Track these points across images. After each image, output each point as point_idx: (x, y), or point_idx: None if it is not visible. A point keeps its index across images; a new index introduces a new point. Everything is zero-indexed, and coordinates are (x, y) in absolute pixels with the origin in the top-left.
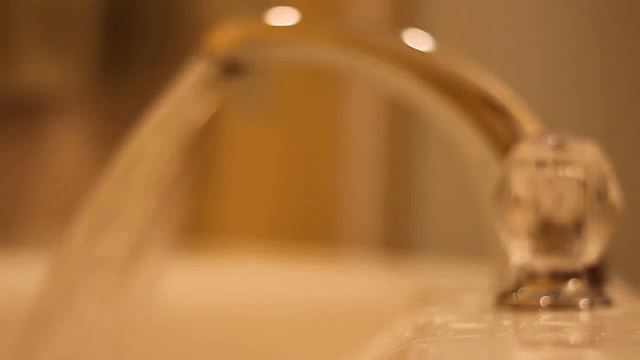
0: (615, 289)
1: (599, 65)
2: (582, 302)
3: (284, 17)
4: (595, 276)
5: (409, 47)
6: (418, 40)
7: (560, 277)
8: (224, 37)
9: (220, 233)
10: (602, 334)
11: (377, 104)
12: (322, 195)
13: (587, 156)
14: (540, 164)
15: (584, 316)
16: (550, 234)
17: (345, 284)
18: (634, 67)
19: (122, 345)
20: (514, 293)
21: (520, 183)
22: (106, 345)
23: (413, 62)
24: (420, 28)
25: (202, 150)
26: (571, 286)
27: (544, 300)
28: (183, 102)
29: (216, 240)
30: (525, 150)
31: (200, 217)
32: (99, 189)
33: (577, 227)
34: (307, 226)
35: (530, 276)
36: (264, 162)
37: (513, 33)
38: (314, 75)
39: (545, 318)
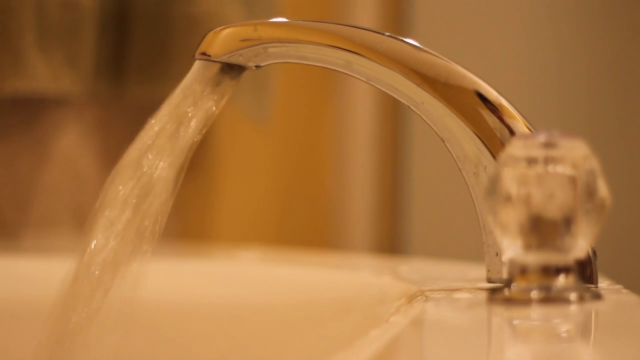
0: (604, 283)
1: (587, 66)
2: (573, 296)
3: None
4: (585, 271)
5: (404, 43)
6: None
7: (551, 271)
8: (221, 38)
9: (214, 237)
10: (592, 327)
11: (373, 110)
12: (317, 200)
13: (576, 154)
14: (531, 161)
15: (574, 310)
16: (541, 230)
17: (341, 284)
18: (622, 65)
19: (119, 340)
20: (506, 288)
21: (511, 180)
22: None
23: (408, 58)
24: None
25: (198, 152)
26: (562, 280)
27: (535, 294)
28: (183, 104)
29: (210, 244)
30: (516, 148)
31: (194, 221)
32: (107, 187)
33: (567, 223)
34: (302, 230)
35: (522, 271)
36: (259, 167)
37: (501, 40)
38: (310, 81)
39: (536, 312)
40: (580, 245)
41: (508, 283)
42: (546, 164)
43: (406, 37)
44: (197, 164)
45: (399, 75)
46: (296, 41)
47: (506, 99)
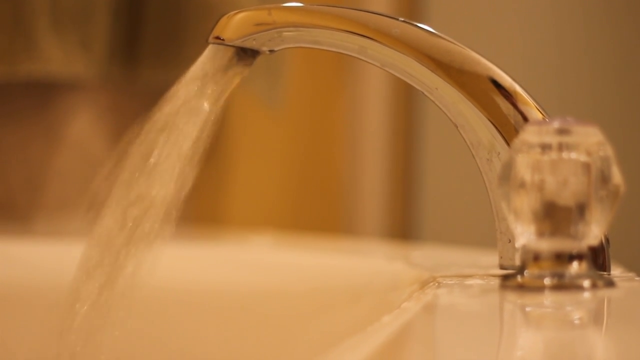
0: (616, 271)
1: (605, 52)
2: (585, 283)
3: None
4: (597, 258)
5: (419, 29)
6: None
7: (564, 258)
8: (235, 22)
9: (226, 222)
10: (605, 314)
11: (387, 95)
12: (329, 186)
13: (590, 140)
14: (545, 147)
15: (587, 297)
16: (555, 217)
17: (354, 270)
18: (635, 55)
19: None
20: (519, 274)
21: (525, 166)
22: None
23: (422, 44)
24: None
25: (210, 138)
26: (574, 267)
27: (548, 281)
28: (196, 87)
29: (224, 230)
30: (530, 134)
31: (206, 205)
32: (118, 174)
33: (581, 210)
34: (314, 216)
35: (535, 258)
36: (272, 152)
37: (516, 26)
38: (323, 66)
39: (549, 299)
40: (593, 233)
41: (521, 270)
42: (560, 151)
43: (420, 22)
44: (210, 149)
45: (413, 60)
46: (310, 26)
47: (520, 85)
